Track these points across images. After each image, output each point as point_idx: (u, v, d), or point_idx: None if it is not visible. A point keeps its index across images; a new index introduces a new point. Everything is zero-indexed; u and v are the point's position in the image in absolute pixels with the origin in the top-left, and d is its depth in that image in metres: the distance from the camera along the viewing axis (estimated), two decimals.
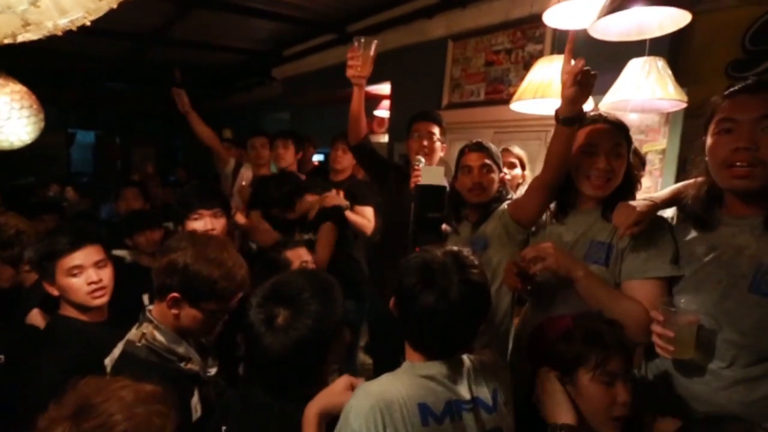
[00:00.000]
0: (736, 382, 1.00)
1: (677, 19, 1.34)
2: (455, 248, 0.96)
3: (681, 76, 2.27)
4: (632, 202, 1.18)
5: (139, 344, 1.08)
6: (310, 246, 2.15)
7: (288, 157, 2.68)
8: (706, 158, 1.08)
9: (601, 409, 0.94)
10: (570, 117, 1.20)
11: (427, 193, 1.42)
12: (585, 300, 1.17)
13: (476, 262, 0.94)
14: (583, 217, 1.28)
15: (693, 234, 1.13)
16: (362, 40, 1.73)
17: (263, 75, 5.48)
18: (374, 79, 3.94)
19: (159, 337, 1.09)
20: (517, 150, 2.35)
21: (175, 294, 1.09)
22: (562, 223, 1.33)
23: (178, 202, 1.71)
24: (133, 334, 1.11)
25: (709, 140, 1.05)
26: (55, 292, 1.32)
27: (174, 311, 1.11)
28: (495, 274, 1.49)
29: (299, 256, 1.81)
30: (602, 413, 0.94)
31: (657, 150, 2.30)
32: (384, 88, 3.91)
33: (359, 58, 1.73)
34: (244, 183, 2.86)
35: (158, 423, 0.73)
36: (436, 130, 1.95)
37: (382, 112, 4.15)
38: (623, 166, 1.23)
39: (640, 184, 1.33)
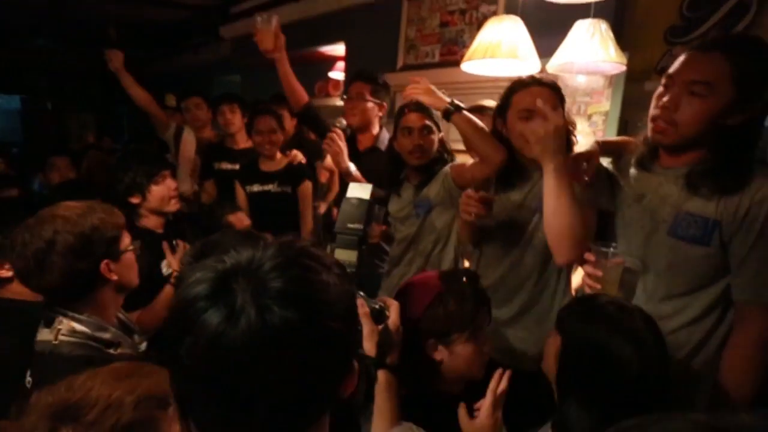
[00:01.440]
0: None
1: None
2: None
3: (623, 41, 2.35)
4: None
5: (56, 342, 1.02)
6: (281, 199, 2.14)
7: (236, 122, 2.58)
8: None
9: (468, 368, 0.99)
10: (448, 110, 1.41)
11: (350, 206, 1.41)
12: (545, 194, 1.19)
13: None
14: (529, 178, 1.35)
15: (626, 180, 1.21)
16: (264, 16, 1.83)
17: (210, 34, 5.13)
18: (328, 40, 3.86)
19: (79, 327, 1.04)
20: (490, 103, 2.27)
21: (105, 260, 1.07)
22: (506, 190, 1.40)
23: (129, 168, 1.62)
24: (43, 336, 1.04)
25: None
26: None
27: (114, 276, 1.10)
28: (439, 237, 1.55)
29: (241, 220, 1.79)
30: (467, 371, 1.00)
31: (601, 112, 2.41)
32: (338, 49, 3.78)
33: (263, 33, 1.79)
34: (190, 148, 2.74)
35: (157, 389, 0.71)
36: (367, 90, 1.95)
37: (337, 74, 4.04)
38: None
39: (576, 143, 1.41)
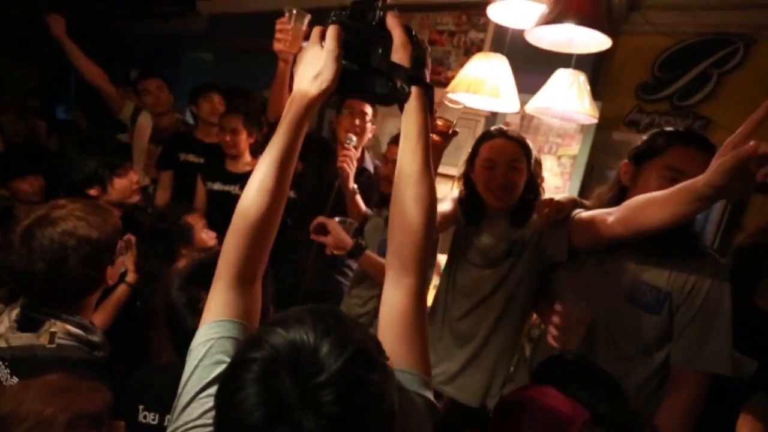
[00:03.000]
0: None
1: (600, 42, 1.43)
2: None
3: (598, 90, 2.46)
4: (553, 196, 1.31)
5: (53, 346, 0.95)
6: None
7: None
8: (622, 182, 1.20)
9: None
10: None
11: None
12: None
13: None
14: (497, 223, 1.37)
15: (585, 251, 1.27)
16: (294, 11, 1.50)
17: (185, 4, 4.78)
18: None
19: (74, 330, 0.99)
20: None
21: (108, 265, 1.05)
22: (479, 229, 1.40)
23: (89, 158, 1.50)
24: (26, 340, 0.96)
25: (647, 178, 1.13)
26: None
27: (111, 281, 1.08)
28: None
29: (199, 219, 1.71)
30: None
31: (569, 155, 2.50)
32: None
33: (289, 32, 1.51)
34: (144, 136, 2.54)
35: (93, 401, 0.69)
36: (369, 109, 1.89)
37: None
38: (522, 178, 1.33)
39: (543, 190, 1.44)
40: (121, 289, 1.45)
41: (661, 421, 1.11)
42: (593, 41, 1.47)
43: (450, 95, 1.36)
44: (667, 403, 1.12)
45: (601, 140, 2.52)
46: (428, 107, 0.69)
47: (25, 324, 0.98)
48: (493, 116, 2.65)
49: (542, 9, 1.48)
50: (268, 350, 0.47)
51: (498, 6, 1.57)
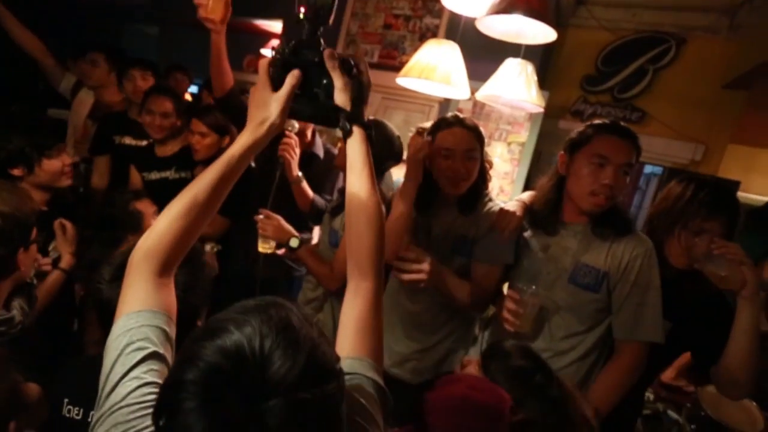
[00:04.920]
0: (551, 353, 1.24)
1: (547, 34, 1.48)
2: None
3: (546, 81, 2.57)
4: (510, 206, 1.34)
5: None
6: (180, 185, 1.88)
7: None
8: (560, 171, 1.29)
9: None
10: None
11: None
12: (437, 289, 1.32)
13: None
14: (446, 211, 1.40)
15: (530, 232, 1.33)
16: None
17: None
18: (266, 14, 3.62)
19: None
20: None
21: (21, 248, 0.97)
22: (428, 216, 1.43)
23: (13, 135, 1.38)
24: None
25: (578, 166, 1.23)
26: None
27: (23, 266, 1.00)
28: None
29: (148, 206, 1.62)
30: None
31: (518, 142, 2.59)
32: (275, 26, 3.58)
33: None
34: (82, 111, 2.34)
35: None
36: None
37: (270, 51, 3.83)
38: (476, 166, 1.36)
39: (490, 177, 1.49)
40: (55, 275, 1.35)
41: (596, 388, 1.21)
42: (541, 33, 1.52)
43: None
44: (607, 369, 1.22)
45: (548, 128, 2.64)
46: (369, 139, 0.78)
47: None
48: (446, 102, 2.69)
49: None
50: (205, 369, 0.43)
51: None
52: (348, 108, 0.75)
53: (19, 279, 1.06)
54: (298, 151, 1.71)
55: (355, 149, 0.76)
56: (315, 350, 0.46)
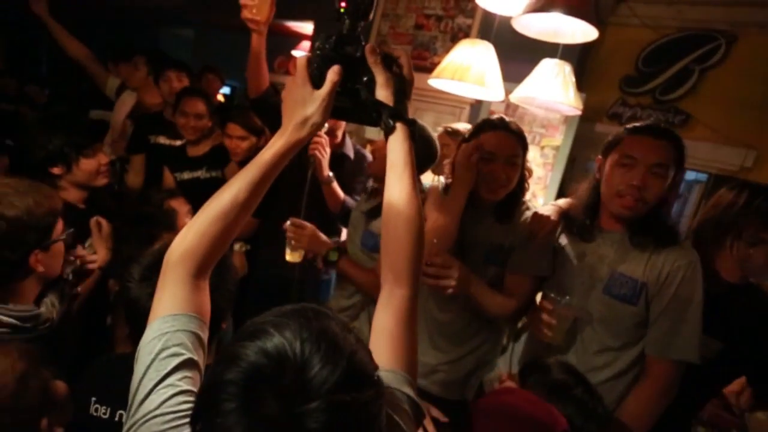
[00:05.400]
0: (583, 369, 1.17)
1: (587, 32, 1.42)
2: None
3: (582, 82, 2.46)
4: (545, 210, 1.30)
5: None
6: (211, 185, 1.90)
7: None
8: (597, 176, 1.22)
9: None
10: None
11: None
12: (467, 298, 1.27)
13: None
14: (480, 217, 1.35)
15: (566, 240, 1.27)
16: None
17: None
18: (296, 15, 3.65)
19: (6, 320, 0.94)
20: (464, 126, 2.06)
21: (36, 250, 0.98)
22: (462, 222, 1.38)
23: (54, 135, 1.42)
24: None
25: (608, 168, 1.18)
26: None
27: (40, 268, 1.00)
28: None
29: (183, 204, 1.64)
30: None
31: (552, 146, 2.50)
32: (306, 27, 3.61)
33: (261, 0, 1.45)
34: (122, 111, 2.43)
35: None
36: None
37: (301, 53, 3.86)
38: (517, 173, 1.30)
39: (528, 185, 1.43)
40: (94, 276, 1.38)
41: (630, 407, 1.14)
42: (579, 31, 1.46)
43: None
44: (637, 390, 1.15)
45: (583, 132, 2.53)
46: (411, 137, 0.74)
47: None
48: (477, 104, 2.62)
49: None
50: (246, 369, 0.43)
51: None
52: (390, 104, 0.71)
53: (45, 278, 1.07)
54: (328, 150, 1.70)
55: (397, 148, 0.72)
56: (354, 356, 0.45)
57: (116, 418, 0.85)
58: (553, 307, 1.16)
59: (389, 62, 0.73)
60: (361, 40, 0.73)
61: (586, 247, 1.23)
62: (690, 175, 3.57)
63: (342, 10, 0.71)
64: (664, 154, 1.12)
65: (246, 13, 1.47)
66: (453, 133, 1.98)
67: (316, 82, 0.69)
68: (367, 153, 2.00)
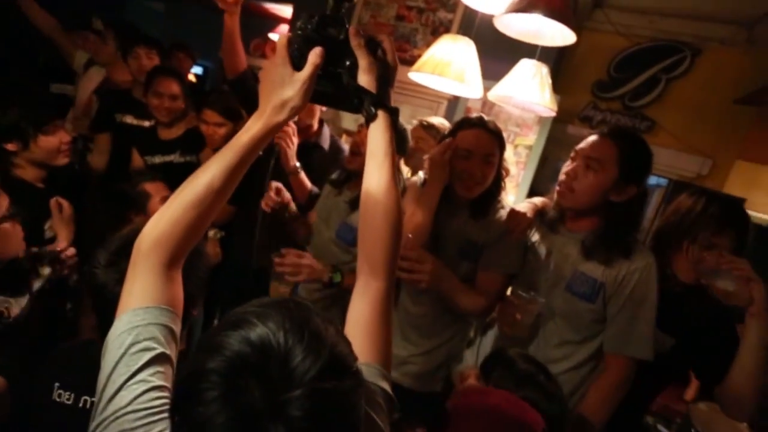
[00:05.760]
0: (542, 361, 1.22)
1: (566, 36, 1.45)
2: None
3: (557, 84, 2.53)
4: (521, 207, 1.32)
5: None
6: (185, 170, 1.83)
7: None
8: None
9: None
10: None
11: None
12: (439, 292, 1.30)
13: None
14: (455, 213, 1.37)
15: (537, 237, 1.31)
16: None
17: None
18: None
19: None
20: (438, 121, 2.03)
21: None
22: (437, 217, 1.40)
23: (9, 108, 1.33)
24: None
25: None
26: None
27: None
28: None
29: (159, 191, 1.58)
30: None
31: (526, 144, 2.56)
32: (285, 10, 3.52)
33: None
34: (88, 87, 2.29)
35: None
36: None
37: (278, 36, 3.77)
38: (493, 171, 1.33)
39: (505, 184, 1.46)
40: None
41: (587, 402, 1.20)
42: (559, 35, 1.49)
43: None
44: (596, 384, 1.21)
45: (555, 133, 2.61)
46: (393, 125, 0.72)
47: None
48: (455, 100, 2.65)
49: None
50: (230, 357, 0.43)
51: None
52: (373, 90, 0.69)
53: None
54: (295, 140, 1.66)
55: (378, 136, 0.70)
56: (335, 347, 0.46)
57: (80, 404, 0.82)
58: (519, 303, 1.20)
59: (373, 47, 0.70)
60: (344, 22, 0.69)
61: (554, 243, 1.27)
62: (652, 180, 3.76)
63: None
64: (602, 150, 1.18)
65: None
66: (428, 127, 2.00)
67: (297, 63, 0.66)
68: (344, 144, 1.98)
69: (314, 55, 0.65)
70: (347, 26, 0.69)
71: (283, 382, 0.42)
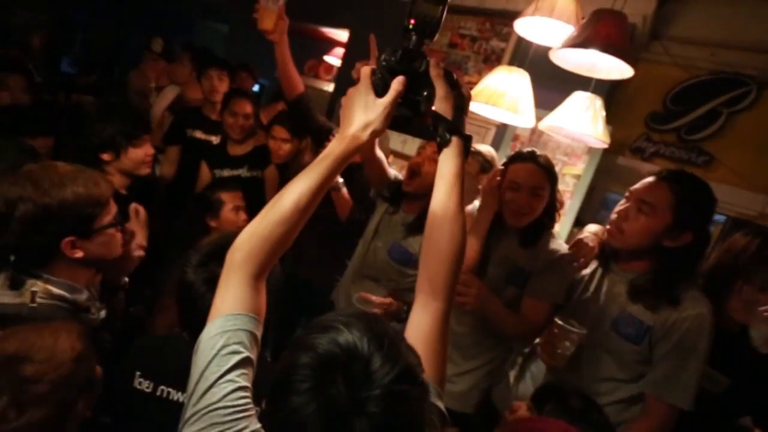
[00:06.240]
0: (588, 393, 1.21)
1: (623, 70, 1.47)
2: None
3: (609, 114, 2.50)
4: (584, 237, 1.35)
5: (34, 305, 0.95)
6: (251, 184, 1.99)
7: (223, 91, 2.36)
8: None
9: None
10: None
11: None
12: (483, 315, 1.33)
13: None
14: (506, 240, 1.42)
15: (589, 271, 1.31)
16: None
17: None
18: (333, 23, 3.74)
19: (56, 291, 0.98)
20: (484, 148, 2.00)
21: (70, 237, 0.99)
22: (488, 242, 1.44)
23: (109, 123, 1.50)
24: (9, 298, 0.95)
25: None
26: None
27: (77, 254, 1.01)
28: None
29: (234, 200, 1.73)
30: None
31: (573, 174, 2.54)
32: (340, 34, 3.69)
33: (264, 12, 1.62)
34: (163, 104, 2.52)
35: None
36: None
37: (333, 58, 3.94)
38: (541, 204, 1.36)
39: (559, 216, 1.48)
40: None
41: None
42: (615, 69, 1.50)
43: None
44: (633, 426, 1.19)
45: (605, 163, 2.56)
46: (465, 153, 0.77)
47: (14, 283, 0.98)
48: (503, 127, 2.67)
49: (569, 30, 1.50)
50: (321, 354, 0.50)
51: (525, 20, 1.60)
52: (450, 116, 0.75)
53: (99, 264, 1.10)
54: None
55: (450, 162, 0.74)
56: (408, 357, 0.53)
57: (158, 393, 0.90)
58: (560, 332, 1.20)
59: (450, 78, 0.76)
60: (425, 55, 0.76)
61: (605, 280, 1.27)
62: None
63: (410, 27, 0.75)
64: (655, 194, 1.17)
65: (260, 26, 1.64)
66: (475, 154, 2.03)
67: (379, 91, 0.72)
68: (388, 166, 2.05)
69: (397, 83, 0.72)
70: (427, 59, 0.75)
71: (365, 381, 0.49)
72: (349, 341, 0.51)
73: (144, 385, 0.91)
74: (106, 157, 1.52)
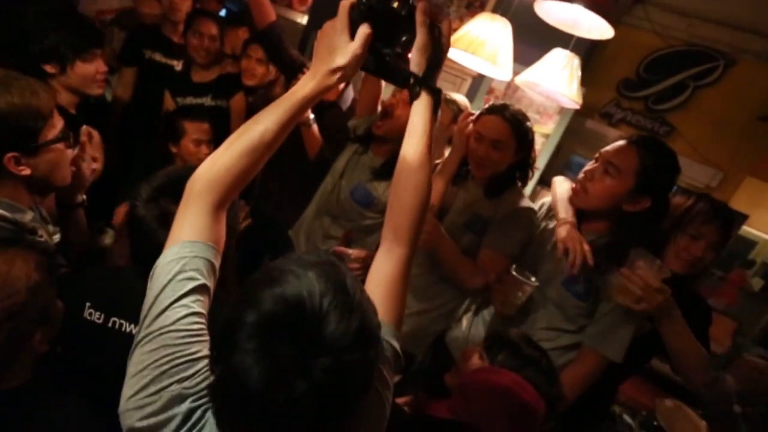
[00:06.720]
0: None
1: (603, 30, 1.45)
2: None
3: (584, 76, 2.51)
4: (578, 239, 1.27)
5: None
6: (216, 113, 1.87)
7: (185, 10, 2.06)
8: None
9: None
10: None
11: None
12: (436, 257, 1.35)
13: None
14: (471, 187, 1.44)
15: (550, 227, 1.36)
16: None
17: None
18: None
19: None
20: (458, 97, 1.97)
21: (12, 153, 0.91)
22: (458, 186, 1.46)
23: (52, 31, 1.34)
24: None
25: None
26: None
27: (24, 171, 0.94)
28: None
29: (197, 131, 1.63)
30: None
31: (542, 133, 2.57)
32: None
33: None
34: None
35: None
36: None
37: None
38: (503, 158, 1.36)
39: (532, 172, 1.49)
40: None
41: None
42: (597, 28, 1.49)
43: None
44: (564, 373, 1.26)
45: (573, 125, 2.61)
46: (435, 107, 0.75)
47: None
48: (479, 78, 2.63)
49: None
50: (266, 313, 0.47)
51: None
52: (422, 69, 0.72)
53: (47, 184, 1.03)
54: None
55: (419, 115, 0.74)
56: (365, 316, 0.50)
57: (110, 324, 0.89)
58: (512, 282, 1.26)
59: (432, 26, 0.73)
60: (408, 1, 0.72)
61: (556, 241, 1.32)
62: None
63: None
64: (623, 157, 1.20)
65: None
66: (449, 102, 2.01)
67: (355, 30, 0.69)
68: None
69: (363, 34, 0.69)
70: (412, 3, 0.71)
71: (314, 346, 0.46)
72: (299, 297, 0.47)
73: (95, 316, 0.89)
74: (49, 69, 1.37)
